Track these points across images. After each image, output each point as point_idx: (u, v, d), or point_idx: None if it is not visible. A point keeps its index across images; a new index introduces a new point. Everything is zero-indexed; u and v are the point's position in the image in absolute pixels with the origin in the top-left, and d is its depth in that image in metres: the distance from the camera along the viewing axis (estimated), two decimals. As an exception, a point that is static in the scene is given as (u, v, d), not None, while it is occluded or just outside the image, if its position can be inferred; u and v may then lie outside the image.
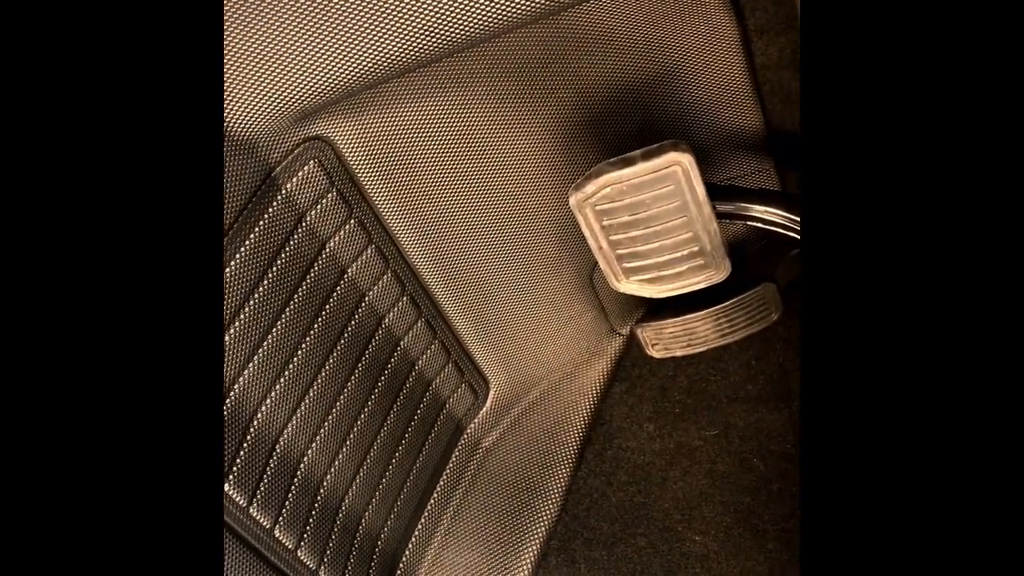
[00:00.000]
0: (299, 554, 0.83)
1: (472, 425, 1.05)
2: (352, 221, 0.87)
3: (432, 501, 1.00)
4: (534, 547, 0.99)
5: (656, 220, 0.81)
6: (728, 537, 0.92)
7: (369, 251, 0.89)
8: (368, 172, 0.86)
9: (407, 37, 0.75)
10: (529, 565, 0.97)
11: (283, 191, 0.81)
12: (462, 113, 0.87)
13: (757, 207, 0.88)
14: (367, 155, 0.85)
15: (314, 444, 0.84)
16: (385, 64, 0.76)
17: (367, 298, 0.90)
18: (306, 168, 0.82)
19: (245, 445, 0.77)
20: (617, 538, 0.97)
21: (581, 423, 1.05)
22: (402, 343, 0.95)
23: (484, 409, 1.05)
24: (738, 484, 0.95)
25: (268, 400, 0.79)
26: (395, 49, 0.75)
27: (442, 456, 1.01)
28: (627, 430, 1.04)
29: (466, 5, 0.72)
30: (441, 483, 1.01)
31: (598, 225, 0.82)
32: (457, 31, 0.74)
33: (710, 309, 0.97)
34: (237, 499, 0.76)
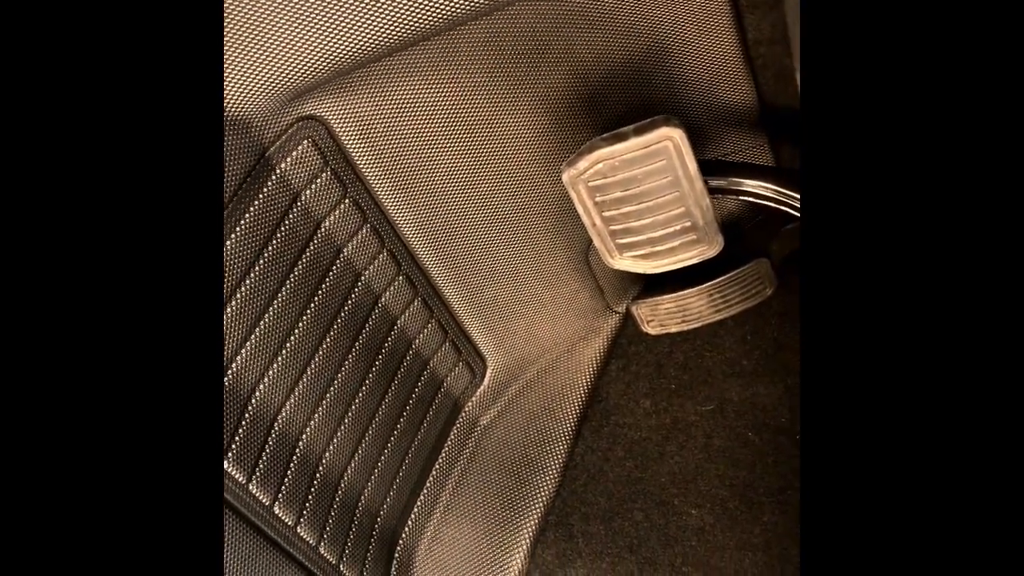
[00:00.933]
0: (299, 530, 0.84)
1: (470, 403, 1.06)
2: (347, 201, 0.87)
3: (431, 478, 1.01)
4: (532, 522, 1.00)
5: (648, 195, 0.82)
6: (724, 510, 0.93)
7: (364, 230, 0.89)
8: (362, 151, 0.87)
9: (397, 14, 0.75)
10: (528, 540, 0.98)
11: (277, 171, 0.81)
12: (453, 92, 0.87)
13: (750, 182, 0.88)
14: (360, 134, 0.85)
15: (313, 422, 0.85)
16: (376, 42, 0.76)
17: (363, 277, 0.91)
18: (300, 148, 0.82)
19: (244, 423, 0.78)
20: (614, 512, 0.98)
21: (578, 400, 1.06)
22: (399, 322, 0.95)
23: (482, 387, 1.06)
24: (734, 458, 0.96)
25: (266, 378, 0.80)
26: (386, 27, 0.75)
27: (440, 434, 1.02)
28: (624, 406, 1.05)
29: None
30: (439, 460, 1.02)
31: (591, 201, 0.83)
32: (448, 8, 0.74)
33: (704, 285, 0.98)
34: (236, 476, 0.77)
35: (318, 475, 0.86)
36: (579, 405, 1.05)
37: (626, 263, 0.87)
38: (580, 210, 0.84)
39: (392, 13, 0.75)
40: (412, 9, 0.74)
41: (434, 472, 1.01)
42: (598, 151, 0.80)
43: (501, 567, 0.97)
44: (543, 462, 1.03)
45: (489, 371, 1.06)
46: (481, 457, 1.05)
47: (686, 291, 0.99)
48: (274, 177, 0.81)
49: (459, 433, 1.05)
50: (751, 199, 0.89)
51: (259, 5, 0.72)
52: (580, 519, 0.99)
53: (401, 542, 0.97)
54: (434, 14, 0.75)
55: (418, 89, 0.85)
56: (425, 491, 1.00)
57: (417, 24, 0.76)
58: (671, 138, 0.79)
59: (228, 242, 0.77)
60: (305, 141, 0.82)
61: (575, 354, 1.09)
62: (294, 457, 0.84)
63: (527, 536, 0.99)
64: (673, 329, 1.02)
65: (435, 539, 1.00)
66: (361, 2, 0.73)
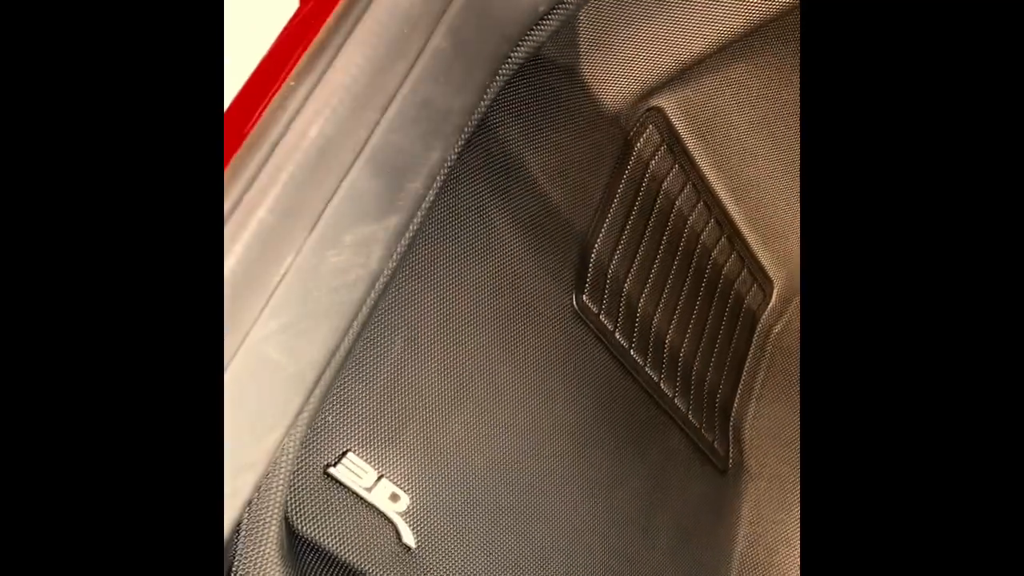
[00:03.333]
0: (675, 400, 1.17)
1: (764, 316, 1.37)
2: (676, 167, 1.20)
3: (745, 370, 1.32)
4: None
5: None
6: None
7: (688, 188, 1.23)
8: (685, 129, 1.20)
9: (717, 28, 1.07)
10: None
11: (635, 149, 1.15)
12: (751, 81, 1.18)
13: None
14: (685, 118, 1.19)
15: (671, 326, 1.19)
16: (702, 50, 1.09)
17: (688, 222, 1.24)
18: (647, 131, 1.16)
19: (636, 325, 1.12)
20: None
21: None
22: (712, 254, 1.28)
23: (771, 304, 1.37)
24: None
25: (643, 296, 1.14)
26: (708, 38, 1.08)
27: (747, 339, 1.34)
28: None
29: None
30: (749, 358, 1.33)
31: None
32: (755, 13, 1.05)
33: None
34: (636, 358, 1.11)
35: (680, 357, 1.20)
36: None
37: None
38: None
39: (712, 28, 1.07)
40: (725, 22, 1.07)
41: (746, 366, 1.33)
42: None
43: None
44: None
45: (775, 291, 1.36)
46: (780, 356, 1.35)
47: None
48: (633, 154, 1.15)
49: (759, 339, 1.36)
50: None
51: (627, 30, 1.07)
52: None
53: (733, 414, 1.29)
54: (742, 22, 1.07)
55: (724, 84, 1.18)
56: (743, 381, 1.32)
57: (729, 33, 1.08)
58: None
59: (615, 200, 1.12)
60: (651, 126, 1.16)
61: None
62: (665, 345, 1.17)
63: None
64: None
65: (756, 415, 1.31)
66: (692, 31, 1.07)
